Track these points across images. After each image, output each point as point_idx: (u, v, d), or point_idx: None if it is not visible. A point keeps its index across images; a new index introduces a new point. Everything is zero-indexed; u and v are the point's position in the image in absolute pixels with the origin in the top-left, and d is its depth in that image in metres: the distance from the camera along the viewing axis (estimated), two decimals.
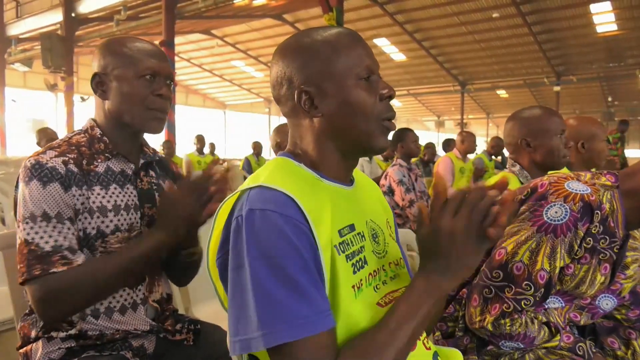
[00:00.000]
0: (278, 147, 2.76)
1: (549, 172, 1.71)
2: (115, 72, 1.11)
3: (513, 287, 1.10)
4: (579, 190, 1.10)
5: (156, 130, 1.16)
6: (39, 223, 0.99)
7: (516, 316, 1.10)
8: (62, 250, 0.99)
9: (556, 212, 1.09)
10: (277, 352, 0.67)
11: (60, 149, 1.07)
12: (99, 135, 1.14)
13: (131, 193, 1.15)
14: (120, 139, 1.16)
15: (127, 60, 1.11)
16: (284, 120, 0.90)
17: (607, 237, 1.11)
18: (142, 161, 1.20)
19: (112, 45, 1.13)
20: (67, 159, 1.05)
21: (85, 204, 1.06)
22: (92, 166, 1.10)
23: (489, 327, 1.11)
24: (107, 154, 1.13)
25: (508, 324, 1.10)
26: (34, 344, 1.08)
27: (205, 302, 1.82)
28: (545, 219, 1.10)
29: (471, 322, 1.15)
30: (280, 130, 2.82)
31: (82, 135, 1.14)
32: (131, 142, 1.18)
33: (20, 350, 1.10)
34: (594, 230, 1.08)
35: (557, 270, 1.10)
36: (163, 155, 1.33)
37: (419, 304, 0.71)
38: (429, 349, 0.86)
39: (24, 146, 16.50)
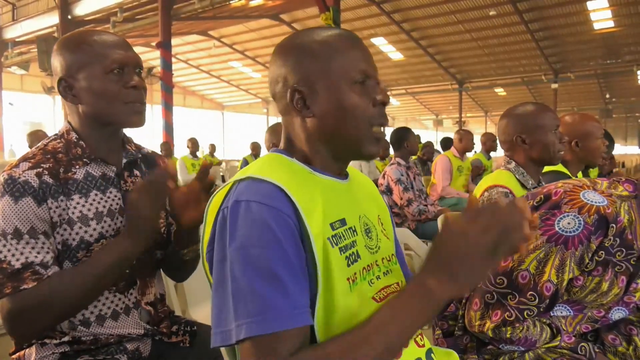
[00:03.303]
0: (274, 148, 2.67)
1: (546, 168, 1.72)
2: (81, 73, 1.04)
3: (517, 295, 1.07)
4: (595, 202, 1.05)
5: (138, 124, 1.10)
6: (9, 240, 0.96)
7: (517, 324, 1.07)
8: (33, 266, 0.96)
9: (569, 223, 1.04)
10: (245, 344, 0.66)
11: (35, 159, 1.03)
12: (75, 140, 1.09)
13: (115, 197, 1.10)
14: (98, 142, 1.10)
15: (90, 57, 1.04)
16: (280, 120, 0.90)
17: (624, 250, 1.06)
18: (124, 161, 1.15)
19: (71, 44, 1.06)
20: (41, 170, 1.00)
21: (63, 215, 1.02)
22: (69, 174, 1.05)
23: (489, 332, 1.09)
24: (84, 159, 1.08)
25: (509, 331, 1.07)
26: (27, 349, 1.07)
27: (202, 303, 1.81)
28: (557, 229, 1.05)
29: (470, 325, 1.13)
30: (274, 130, 2.75)
31: (58, 140, 1.09)
32: (110, 143, 1.13)
33: (14, 356, 1.09)
34: (607, 243, 1.04)
35: (565, 283, 1.06)
36: (149, 151, 1.28)
37: (403, 309, 0.66)
38: (422, 346, 0.86)
39: (21, 149, 16.45)
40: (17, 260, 0.95)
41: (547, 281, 1.05)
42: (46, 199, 1.00)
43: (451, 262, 0.65)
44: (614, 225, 1.04)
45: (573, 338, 1.14)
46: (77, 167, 1.07)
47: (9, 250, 0.95)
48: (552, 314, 1.16)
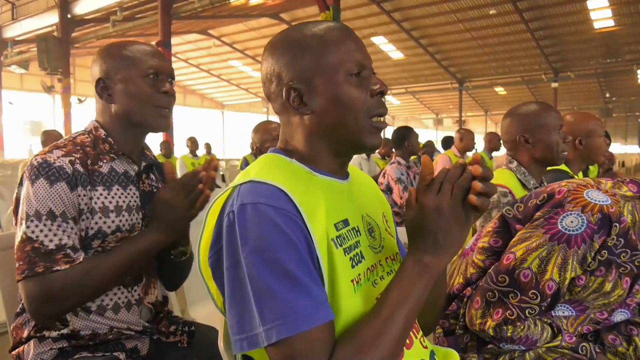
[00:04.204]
0: (258, 151, 2.51)
1: (548, 168, 1.71)
2: (119, 75, 1.12)
3: (518, 294, 1.06)
4: (599, 201, 1.05)
5: (163, 128, 1.18)
6: (44, 221, 0.99)
7: (519, 323, 1.07)
8: (65, 248, 0.99)
9: (572, 222, 1.04)
10: (277, 347, 0.65)
11: (67, 148, 1.08)
12: (104, 136, 1.15)
13: (134, 194, 1.16)
14: (125, 140, 1.17)
15: (129, 62, 1.13)
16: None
17: (629, 251, 1.05)
18: (144, 163, 1.22)
19: (113, 50, 1.15)
20: (73, 158, 1.06)
21: (89, 204, 1.07)
22: (96, 166, 1.11)
23: (490, 331, 1.08)
24: (112, 155, 1.14)
25: (510, 330, 1.07)
26: (26, 345, 1.07)
27: (201, 303, 1.81)
28: (560, 227, 1.05)
29: (471, 323, 1.12)
30: (259, 129, 2.58)
31: (86, 136, 1.15)
32: (135, 144, 1.19)
33: (12, 352, 1.09)
34: (610, 242, 1.04)
35: (567, 282, 1.06)
36: (162, 163, 1.34)
37: (410, 286, 0.70)
38: (426, 347, 0.85)
39: (21, 149, 16.47)
40: (51, 241, 0.99)
41: (549, 280, 1.04)
42: (77, 186, 1.05)
43: (436, 236, 0.70)
44: (617, 224, 1.03)
45: (574, 338, 1.14)
46: (104, 161, 1.13)
47: (41, 231, 0.99)
48: (554, 314, 1.16)
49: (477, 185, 0.68)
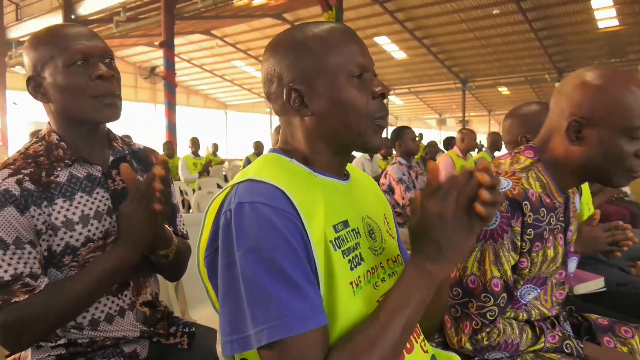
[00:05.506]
0: None
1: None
2: (46, 70, 1.00)
3: (474, 301, 1.07)
4: (502, 188, 1.06)
5: (112, 118, 1.05)
6: None
7: (488, 329, 1.07)
8: (22, 277, 0.94)
9: None
10: (269, 349, 0.64)
11: (15, 165, 0.99)
12: (56, 141, 1.05)
13: (102, 197, 1.06)
14: (78, 141, 1.06)
15: (52, 51, 1.00)
16: None
17: (553, 214, 1.09)
18: (111, 159, 1.11)
19: (34, 41, 1.03)
20: (21, 176, 0.97)
21: (48, 221, 0.98)
22: (52, 177, 1.01)
23: (468, 346, 1.08)
24: (66, 161, 1.04)
25: (485, 338, 1.07)
26: (23, 352, 1.06)
27: (203, 304, 1.80)
28: None
29: (451, 344, 1.12)
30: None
31: (40, 143, 1.05)
32: (92, 141, 1.08)
33: (9, 359, 1.08)
34: (530, 220, 1.06)
35: (509, 273, 1.07)
36: (141, 147, 1.25)
37: (409, 293, 0.69)
38: (427, 351, 0.84)
39: None
40: (6, 272, 0.93)
41: (492, 278, 1.06)
42: (29, 207, 0.96)
43: (438, 244, 0.68)
44: (527, 202, 1.05)
45: (557, 337, 1.13)
46: (60, 169, 1.03)
47: None
48: (523, 301, 1.14)
49: (484, 194, 0.65)
